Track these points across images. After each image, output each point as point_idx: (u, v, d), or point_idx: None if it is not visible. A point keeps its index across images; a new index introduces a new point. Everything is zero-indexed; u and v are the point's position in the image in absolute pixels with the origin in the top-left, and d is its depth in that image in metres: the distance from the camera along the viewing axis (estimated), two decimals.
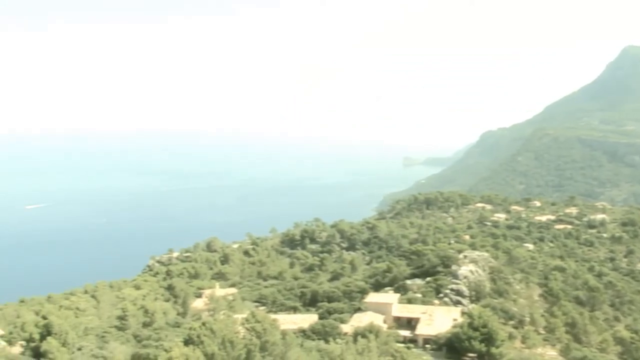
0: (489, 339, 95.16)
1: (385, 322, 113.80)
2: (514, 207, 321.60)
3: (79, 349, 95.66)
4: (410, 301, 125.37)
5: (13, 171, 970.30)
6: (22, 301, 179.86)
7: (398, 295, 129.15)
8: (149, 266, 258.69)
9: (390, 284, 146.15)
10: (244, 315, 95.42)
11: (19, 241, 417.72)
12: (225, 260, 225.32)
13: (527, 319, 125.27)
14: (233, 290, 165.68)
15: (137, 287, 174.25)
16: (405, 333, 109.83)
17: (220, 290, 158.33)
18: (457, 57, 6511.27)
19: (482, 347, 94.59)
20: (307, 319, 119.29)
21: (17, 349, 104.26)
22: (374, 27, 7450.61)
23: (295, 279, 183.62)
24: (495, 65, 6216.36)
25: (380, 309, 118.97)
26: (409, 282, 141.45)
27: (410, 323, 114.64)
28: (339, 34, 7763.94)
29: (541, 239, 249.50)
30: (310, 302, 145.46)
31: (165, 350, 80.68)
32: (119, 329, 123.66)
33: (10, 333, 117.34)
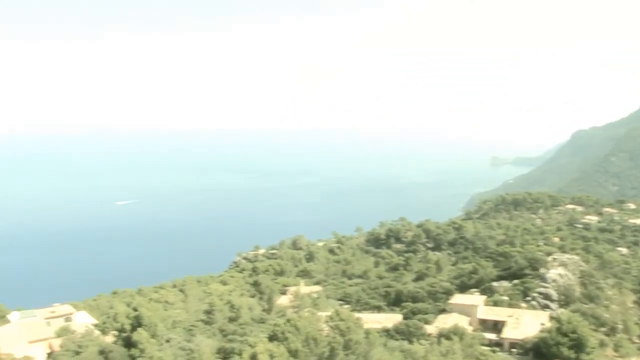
0: (578, 345, 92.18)
1: (470, 324, 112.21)
2: (607, 210, 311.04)
3: (167, 341, 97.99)
4: (496, 304, 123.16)
5: (106, 168, 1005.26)
6: (114, 293, 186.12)
7: (484, 297, 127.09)
8: (235, 262, 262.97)
9: (476, 285, 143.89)
10: (328, 313, 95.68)
11: (111, 235, 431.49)
12: (310, 258, 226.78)
13: (620, 327, 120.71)
14: (318, 288, 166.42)
15: (224, 283, 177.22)
16: (491, 336, 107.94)
17: (305, 288, 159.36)
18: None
19: (571, 354, 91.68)
20: (391, 319, 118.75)
21: (109, 338, 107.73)
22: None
23: (380, 278, 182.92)
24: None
25: (465, 310, 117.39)
26: (495, 284, 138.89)
27: (496, 326, 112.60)
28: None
29: (636, 243, 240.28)
30: (395, 301, 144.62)
31: (250, 346, 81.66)
32: (206, 323, 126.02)
33: (104, 323, 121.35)
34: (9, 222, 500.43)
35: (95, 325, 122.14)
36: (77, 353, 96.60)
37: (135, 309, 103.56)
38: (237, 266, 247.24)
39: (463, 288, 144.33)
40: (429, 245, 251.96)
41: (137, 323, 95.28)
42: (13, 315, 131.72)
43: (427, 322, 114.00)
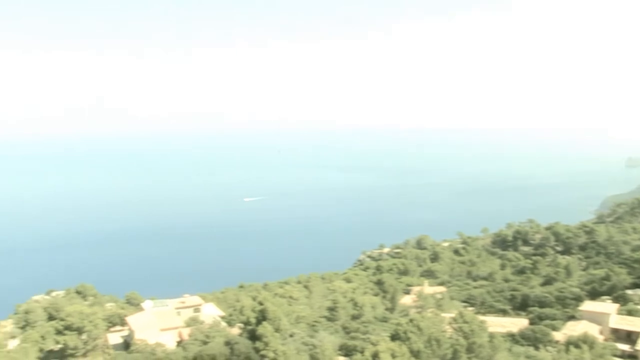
0: None
1: (601, 333, 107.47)
2: None
3: (291, 336, 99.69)
4: (630, 313, 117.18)
5: (232, 165, 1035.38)
6: (241, 286, 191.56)
7: (617, 305, 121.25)
8: (359, 260, 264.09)
9: (609, 292, 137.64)
10: (452, 315, 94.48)
11: (238, 231, 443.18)
12: (435, 258, 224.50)
13: None
14: (442, 288, 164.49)
15: (348, 280, 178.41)
16: (624, 347, 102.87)
17: (428, 288, 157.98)
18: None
19: None
20: (517, 323, 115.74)
21: (235, 330, 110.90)
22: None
23: (506, 281, 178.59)
24: None
25: (596, 318, 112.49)
26: (629, 292, 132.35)
27: (629, 337, 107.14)
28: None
29: None
30: (521, 305, 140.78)
31: (372, 344, 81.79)
32: (329, 319, 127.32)
33: (230, 315, 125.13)
34: (153, 215, 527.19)
35: (222, 317, 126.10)
36: (205, 343, 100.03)
37: (260, 303, 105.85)
38: (362, 264, 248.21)
39: (594, 295, 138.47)
40: (558, 248, 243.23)
41: (262, 317, 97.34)
42: (147, 304, 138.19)
43: (554, 329, 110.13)
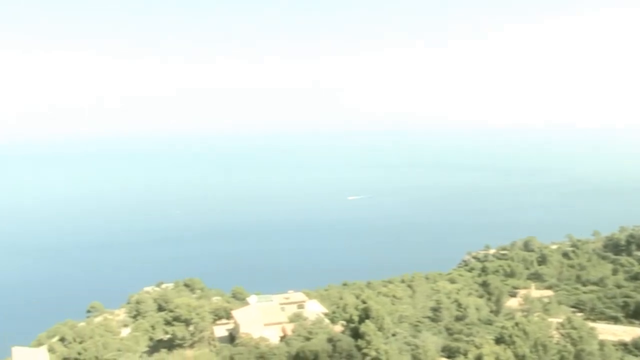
0: None
1: None
2: None
3: (394, 335, 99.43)
4: None
5: (340, 164, 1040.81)
6: (344, 284, 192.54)
7: None
8: (464, 261, 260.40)
9: None
10: (559, 320, 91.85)
11: (342, 229, 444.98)
12: (542, 260, 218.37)
13: None
14: (549, 292, 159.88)
15: (452, 281, 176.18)
16: None
17: (535, 292, 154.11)
18: None
19: None
20: (629, 332, 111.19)
21: (338, 328, 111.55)
22: None
23: (618, 287, 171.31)
24: None
25: None
26: None
27: None
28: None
29: None
30: (634, 313, 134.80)
31: (476, 347, 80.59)
32: (432, 320, 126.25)
33: (333, 312, 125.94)
34: (259, 211, 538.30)
35: (326, 314, 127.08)
36: (308, 339, 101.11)
37: (363, 301, 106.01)
38: (466, 265, 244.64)
39: None
40: None
41: (365, 315, 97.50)
42: (252, 299, 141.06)
43: None
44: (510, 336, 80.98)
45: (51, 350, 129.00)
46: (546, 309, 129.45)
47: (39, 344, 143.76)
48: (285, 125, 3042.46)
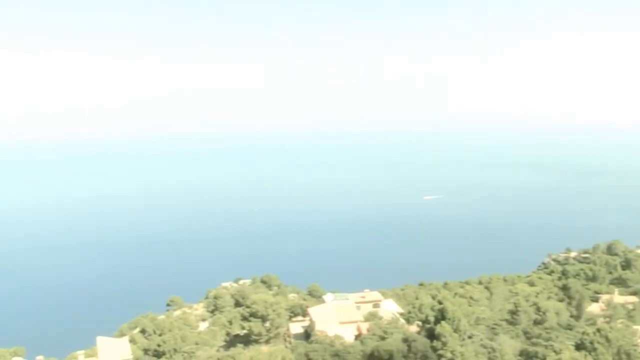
0: None
1: None
2: None
3: (470, 337, 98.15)
4: None
5: (418, 164, 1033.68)
6: (421, 284, 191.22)
7: None
8: (544, 263, 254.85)
9: None
10: None
11: (418, 228, 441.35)
12: (626, 265, 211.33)
13: None
14: (634, 298, 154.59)
15: (531, 284, 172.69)
16: None
17: (618, 297, 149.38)
18: None
19: None
20: None
21: (413, 328, 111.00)
22: None
23: None
24: None
25: None
26: None
27: None
28: None
29: None
30: None
31: (555, 352, 78.91)
32: (510, 323, 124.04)
33: (409, 312, 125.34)
34: (334, 209, 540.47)
35: (401, 314, 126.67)
36: (383, 338, 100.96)
37: (440, 302, 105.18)
38: (546, 267, 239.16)
39: None
40: None
41: (441, 316, 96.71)
42: (328, 297, 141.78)
43: None
44: (591, 342, 78.87)
45: (132, 341, 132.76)
46: (630, 316, 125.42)
47: (121, 335, 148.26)
48: (371, 123, 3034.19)
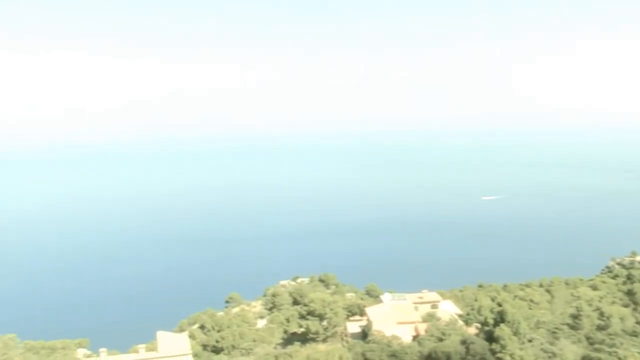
0: None
1: None
2: None
3: (530, 341, 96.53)
4: None
5: (475, 163, 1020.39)
6: (480, 286, 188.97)
7: None
8: (608, 267, 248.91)
9: None
10: None
11: (476, 229, 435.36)
12: None
13: None
14: None
15: (594, 288, 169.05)
16: None
17: None
18: None
19: None
20: None
21: (472, 330, 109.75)
22: None
23: None
24: None
25: None
26: None
27: None
28: None
29: None
30: None
31: (619, 359, 76.88)
32: (571, 327, 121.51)
33: (468, 314, 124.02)
34: (393, 208, 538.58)
35: (459, 316, 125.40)
36: (440, 340, 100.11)
37: (499, 304, 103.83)
38: (610, 271, 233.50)
39: None
40: None
41: (500, 318, 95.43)
42: (385, 297, 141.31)
43: None
44: None
45: (192, 336, 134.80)
46: None
47: (181, 330, 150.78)
48: (427, 123, 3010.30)
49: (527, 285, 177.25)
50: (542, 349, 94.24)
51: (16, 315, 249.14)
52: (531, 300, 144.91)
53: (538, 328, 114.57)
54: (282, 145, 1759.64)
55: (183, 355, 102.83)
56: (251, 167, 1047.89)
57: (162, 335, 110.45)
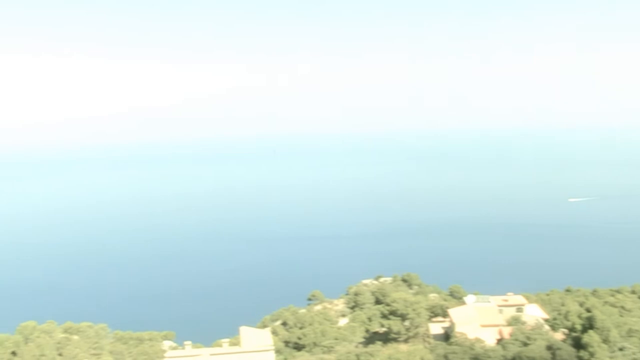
0: None
1: None
2: None
3: (621, 349, 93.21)
4: None
5: (559, 164, 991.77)
6: (567, 290, 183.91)
7: None
8: None
9: None
10: None
11: (563, 232, 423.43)
12: None
13: None
14: None
15: None
16: None
17: None
18: None
19: None
20: None
21: (558, 335, 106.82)
22: None
23: None
24: None
25: None
26: None
27: None
28: None
29: None
30: None
31: None
32: None
33: (554, 319, 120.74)
34: (478, 209, 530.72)
35: (546, 320, 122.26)
36: (525, 344, 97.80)
37: (588, 310, 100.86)
38: None
39: None
40: None
41: (588, 325, 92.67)
42: (469, 298, 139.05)
43: None
44: None
45: (274, 332, 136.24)
46: None
47: (264, 326, 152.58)
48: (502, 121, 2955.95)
49: (618, 291, 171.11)
50: (633, 359, 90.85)
51: (108, 306, 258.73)
52: (622, 307, 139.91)
53: (630, 336, 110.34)
54: (363, 146, 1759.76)
55: (265, 350, 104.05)
56: (328, 166, 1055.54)
57: (245, 331, 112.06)
